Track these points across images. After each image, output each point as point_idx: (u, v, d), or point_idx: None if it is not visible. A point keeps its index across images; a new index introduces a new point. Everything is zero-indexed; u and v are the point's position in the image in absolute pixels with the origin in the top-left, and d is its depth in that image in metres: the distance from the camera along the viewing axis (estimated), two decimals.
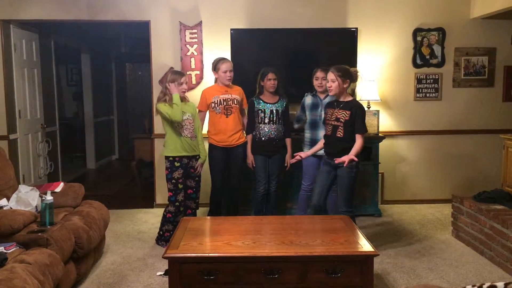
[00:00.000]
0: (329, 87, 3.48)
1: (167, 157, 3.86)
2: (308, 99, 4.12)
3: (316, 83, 4.03)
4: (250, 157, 4.16)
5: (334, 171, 3.48)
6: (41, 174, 5.64)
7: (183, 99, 3.90)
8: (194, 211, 4.01)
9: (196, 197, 3.99)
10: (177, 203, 3.85)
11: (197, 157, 3.96)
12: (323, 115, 3.90)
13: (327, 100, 3.95)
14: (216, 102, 4.06)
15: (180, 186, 3.85)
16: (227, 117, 4.08)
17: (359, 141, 3.40)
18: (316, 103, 4.04)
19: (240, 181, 4.35)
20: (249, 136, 4.19)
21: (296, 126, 4.33)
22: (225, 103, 4.06)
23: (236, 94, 4.15)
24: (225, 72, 4.06)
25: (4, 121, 4.92)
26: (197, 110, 4.07)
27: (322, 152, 3.89)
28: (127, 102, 8.96)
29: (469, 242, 3.87)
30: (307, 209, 4.11)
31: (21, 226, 2.80)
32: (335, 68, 3.47)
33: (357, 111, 3.41)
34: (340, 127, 3.42)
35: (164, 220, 3.91)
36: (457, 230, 4.07)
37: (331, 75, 3.45)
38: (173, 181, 3.84)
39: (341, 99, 3.51)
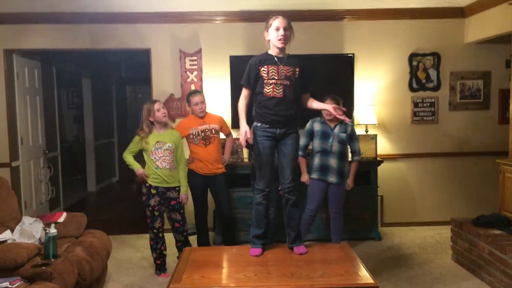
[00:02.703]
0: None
1: (144, 184, 3.87)
2: (317, 126, 4.04)
3: (325, 112, 3.97)
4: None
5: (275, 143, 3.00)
6: (43, 200, 5.67)
7: (165, 125, 3.89)
8: (184, 244, 3.96)
9: (184, 230, 3.96)
10: (155, 230, 3.87)
11: (177, 188, 3.91)
12: (334, 146, 3.95)
13: (337, 130, 3.98)
14: (194, 133, 4.06)
15: (156, 213, 3.85)
16: (206, 147, 4.08)
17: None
18: (327, 132, 3.98)
19: (231, 207, 4.38)
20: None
21: (302, 154, 4.03)
22: (203, 134, 4.06)
23: (214, 123, 4.13)
24: (197, 104, 4.07)
25: (7, 149, 4.98)
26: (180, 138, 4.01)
27: (332, 179, 3.97)
28: (128, 125, 9.03)
29: (469, 267, 3.89)
30: (309, 232, 4.16)
31: (25, 260, 2.83)
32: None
33: None
34: None
35: (151, 249, 3.95)
36: (457, 255, 4.10)
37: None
38: (150, 208, 3.84)
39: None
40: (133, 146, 3.89)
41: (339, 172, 3.99)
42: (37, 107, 5.67)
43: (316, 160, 4.04)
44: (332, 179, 3.98)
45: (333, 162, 3.97)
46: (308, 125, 4.10)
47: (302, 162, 4.05)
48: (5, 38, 4.92)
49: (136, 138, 3.88)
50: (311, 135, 4.08)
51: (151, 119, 3.82)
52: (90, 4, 4.75)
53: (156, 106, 3.83)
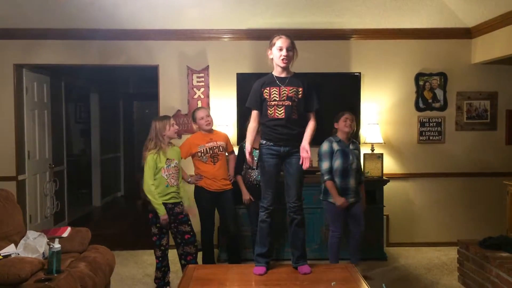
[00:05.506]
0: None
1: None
2: (335, 146, 3.96)
3: (342, 124, 3.98)
4: (247, 194, 4.20)
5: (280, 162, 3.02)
6: (48, 214, 5.68)
7: (169, 143, 3.85)
8: (195, 256, 3.89)
9: (195, 241, 3.90)
10: (162, 247, 3.84)
11: (181, 202, 3.85)
12: (353, 163, 3.94)
13: (352, 147, 4.00)
14: (202, 151, 4.07)
15: (164, 230, 3.83)
16: (214, 164, 4.09)
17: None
18: (346, 150, 3.95)
19: (237, 224, 4.36)
20: (239, 177, 4.27)
21: (329, 177, 3.95)
22: (211, 152, 4.07)
23: (221, 140, 4.16)
24: (202, 118, 4.10)
25: (14, 162, 5.00)
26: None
27: (351, 199, 3.97)
28: (134, 140, 9.06)
29: None
30: (339, 256, 4.06)
31: (28, 275, 2.82)
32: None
33: None
34: None
35: (156, 267, 3.88)
36: (464, 277, 4.05)
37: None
38: (158, 225, 3.80)
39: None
40: (151, 170, 3.69)
41: (356, 191, 4.03)
42: (45, 121, 5.72)
43: (336, 182, 3.97)
44: (351, 199, 3.97)
45: (352, 181, 3.96)
46: (326, 146, 3.98)
47: (330, 185, 3.93)
48: (15, 53, 5.00)
49: (151, 158, 3.69)
50: (332, 155, 3.96)
51: (164, 134, 3.78)
52: (100, 21, 4.81)
53: (172, 121, 3.84)
